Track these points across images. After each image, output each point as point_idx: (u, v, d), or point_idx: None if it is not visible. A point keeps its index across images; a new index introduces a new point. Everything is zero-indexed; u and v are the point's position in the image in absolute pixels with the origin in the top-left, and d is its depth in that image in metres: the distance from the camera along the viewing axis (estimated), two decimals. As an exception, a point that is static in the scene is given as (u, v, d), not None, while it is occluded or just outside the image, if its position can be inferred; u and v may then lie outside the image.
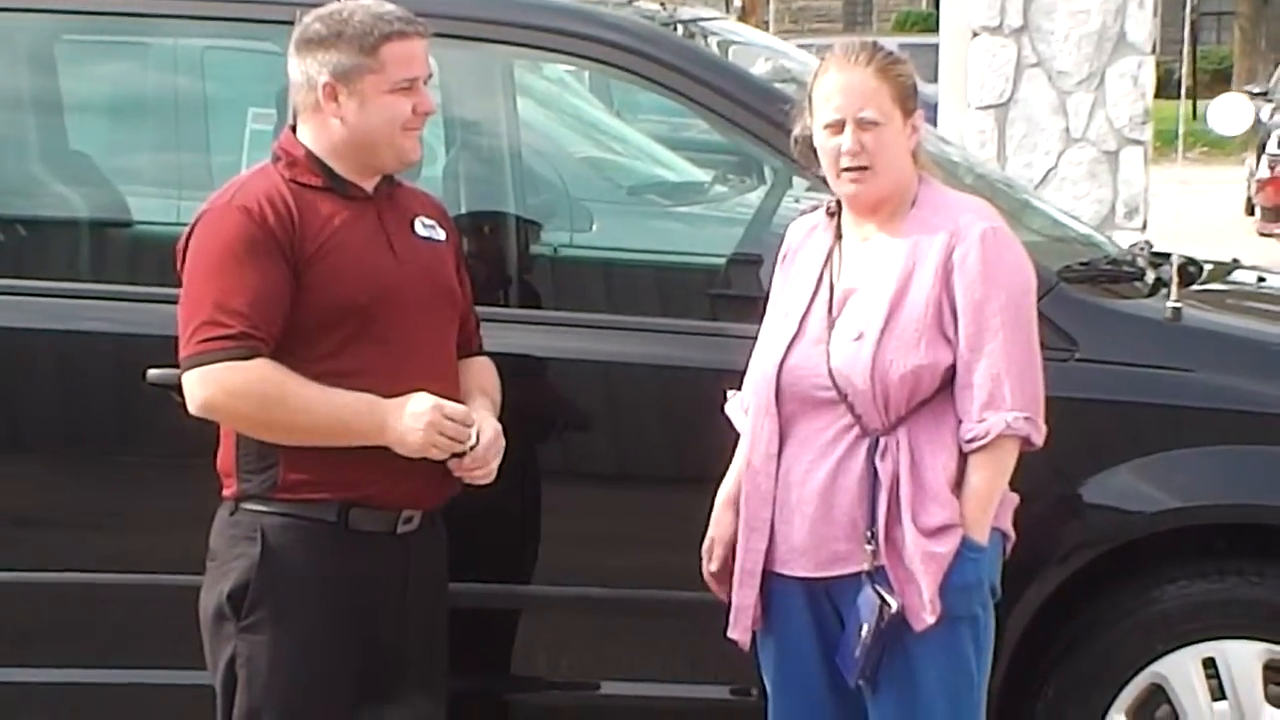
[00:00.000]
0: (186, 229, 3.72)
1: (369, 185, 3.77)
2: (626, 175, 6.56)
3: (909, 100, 3.69)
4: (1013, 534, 3.74)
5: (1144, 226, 9.51)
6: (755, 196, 5.39)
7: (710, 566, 3.83)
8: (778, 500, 3.69)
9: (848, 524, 3.62)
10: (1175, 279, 4.36)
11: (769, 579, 3.73)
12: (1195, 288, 4.75)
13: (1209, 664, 4.21)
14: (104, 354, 4.39)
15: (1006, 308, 3.58)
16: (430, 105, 3.76)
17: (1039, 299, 3.74)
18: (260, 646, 3.67)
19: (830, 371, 3.62)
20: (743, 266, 4.68)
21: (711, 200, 6.28)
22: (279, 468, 3.66)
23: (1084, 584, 4.21)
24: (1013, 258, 3.65)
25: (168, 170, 4.98)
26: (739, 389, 3.86)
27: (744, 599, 3.75)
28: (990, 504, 3.62)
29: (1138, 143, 9.59)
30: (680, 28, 5.21)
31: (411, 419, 3.62)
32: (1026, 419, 3.59)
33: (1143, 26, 9.53)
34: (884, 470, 3.58)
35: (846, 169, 3.64)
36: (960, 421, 3.61)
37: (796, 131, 3.78)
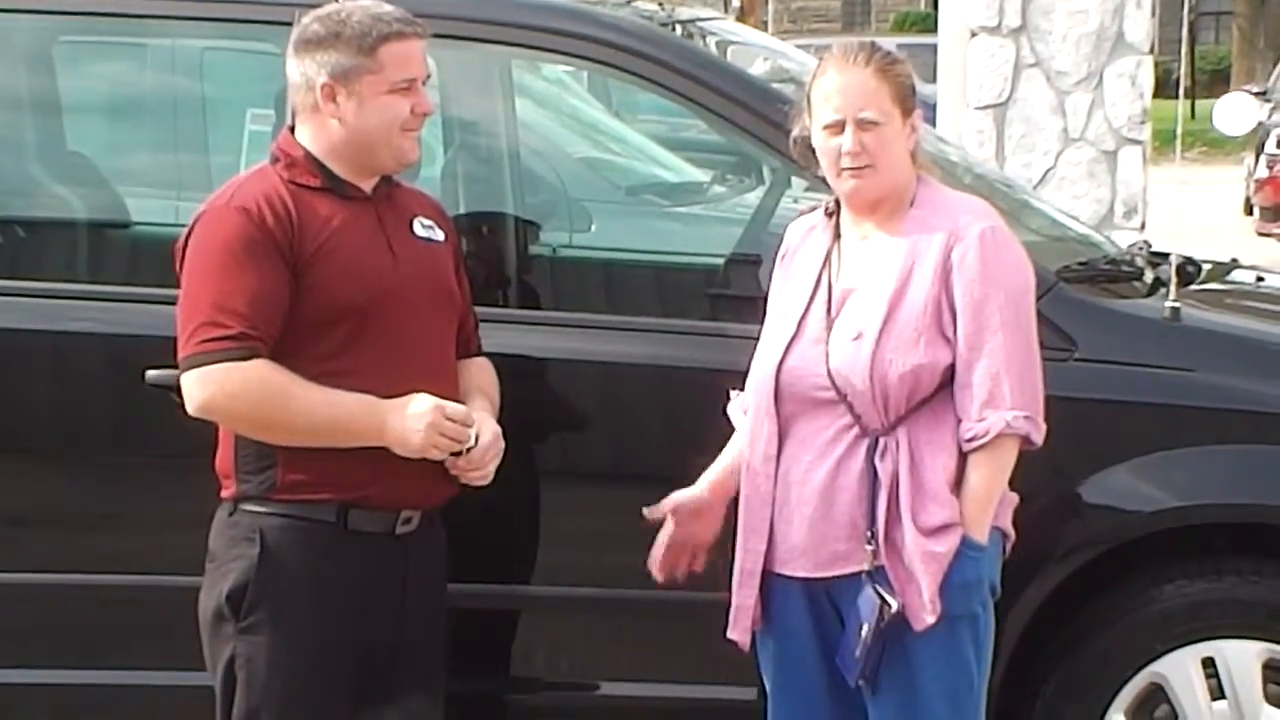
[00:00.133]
0: (185, 230, 3.72)
1: (367, 186, 3.77)
2: (625, 175, 6.57)
3: (908, 100, 3.69)
4: (1012, 533, 3.74)
5: (1142, 226, 9.51)
6: (754, 197, 5.39)
7: (656, 553, 3.82)
8: (777, 500, 3.69)
9: (847, 524, 3.62)
10: (1174, 278, 4.36)
11: (768, 579, 3.73)
12: (1194, 287, 4.75)
13: (1208, 663, 4.21)
14: (102, 355, 4.39)
15: (1006, 307, 3.58)
16: (429, 106, 3.76)
17: (1038, 299, 3.74)
18: (259, 647, 3.67)
19: (829, 372, 3.62)
20: (741, 266, 4.68)
21: (710, 200, 6.29)
22: (278, 468, 3.66)
23: (1083, 583, 4.21)
24: (1012, 257, 3.65)
25: (166, 171, 4.98)
26: (740, 389, 3.86)
27: (743, 599, 3.75)
28: (990, 503, 3.62)
29: (1136, 142, 9.60)
30: (678, 28, 5.20)
31: (412, 420, 3.62)
32: (1026, 418, 3.59)
33: (1141, 26, 9.53)
34: (883, 470, 3.58)
35: (847, 168, 3.64)
36: (960, 421, 3.61)
37: (795, 132, 3.78)
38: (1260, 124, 17.46)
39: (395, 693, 3.80)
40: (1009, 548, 3.74)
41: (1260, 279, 5.23)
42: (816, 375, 3.64)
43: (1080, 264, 4.59)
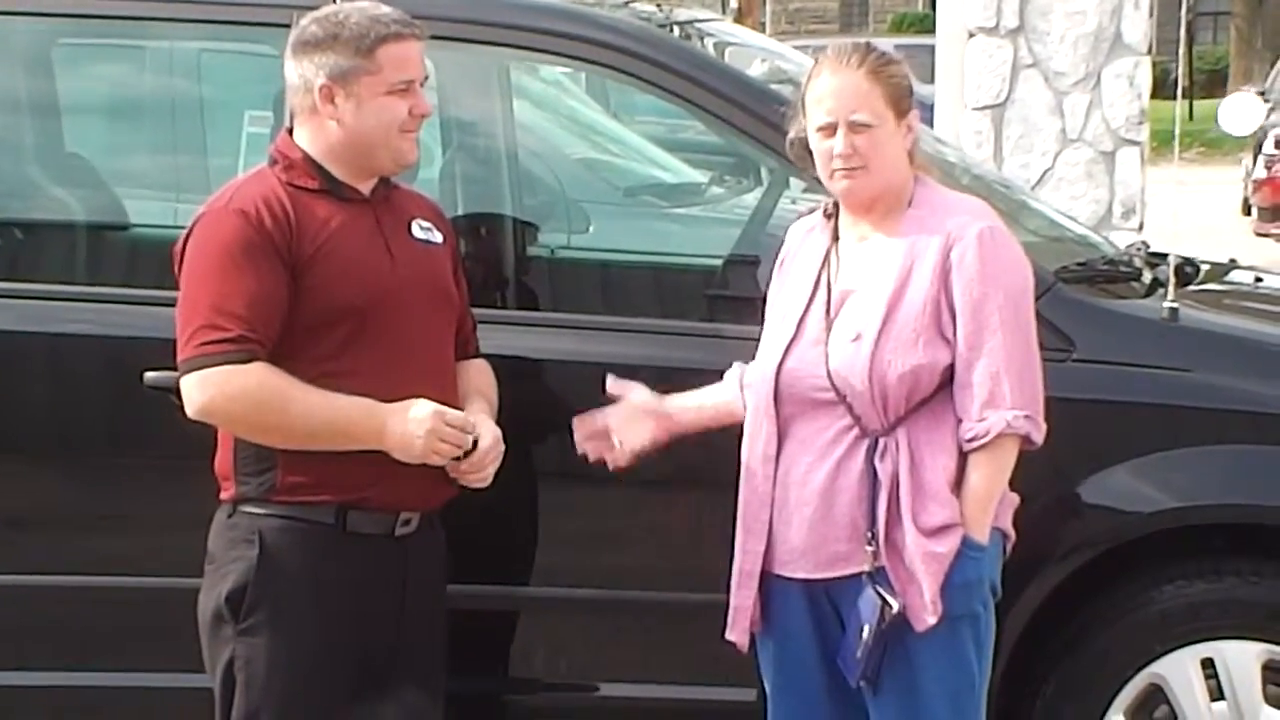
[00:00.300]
0: (184, 232, 3.72)
1: (366, 188, 3.77)
2: (623, 177, 6.57)
3: (902, 101, 3.69)
4: (1013, 534, 3.74)
5: (1141, 227, 9.51)
6: (752, 198, 5.40)
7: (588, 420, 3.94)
8: (776, 501, 3.69)
9: (848, 525, 3.62)
10: (1172, 279, 4.36)
11: (767, 580, 3.73)
12: (1192, 288, 4.75)
13: (1207, 664, 4.21)
14: (101, 357, 4.38)
15: (1005, 307, 3.58)
16: (427, 107, 3.76)
17: (1036, 299, 3.74)
18: (258, 649, 3.67)
19: (829, 373, 3.62)
20: (739, 268, 4.68)
21: (708, 201, 6.29)
22: (277, 470, 3.66)
23: (1082, 584, 4.21)
24: (1010, 257, 3.65)
25: (164, 173, 4.98)
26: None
27: (742, 600, 3.75)
28: (990, 503, 3.62)
29: (1134, 143, 9.59)
30: (676, 29, 5.20)
31: (412, 425, 3.62)
32: (1026, 417, 3.59)
33: (1139, 27, 9.52)
34: (883, 471, 3.59)
35: (839, 169, 3.64)
36: (959, 421, 3.61)
37: (791, 134, 3.79)
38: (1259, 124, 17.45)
39: (395, 694, 3.80)
40: (1009, 548, 3.74)
41: (1258, 279, 5.23)
42: (816, 376, 3.64)
43: (1078, 264, 4.60)
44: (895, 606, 3.56)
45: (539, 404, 4.27)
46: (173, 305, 3.68)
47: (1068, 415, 3.89)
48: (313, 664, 3.69)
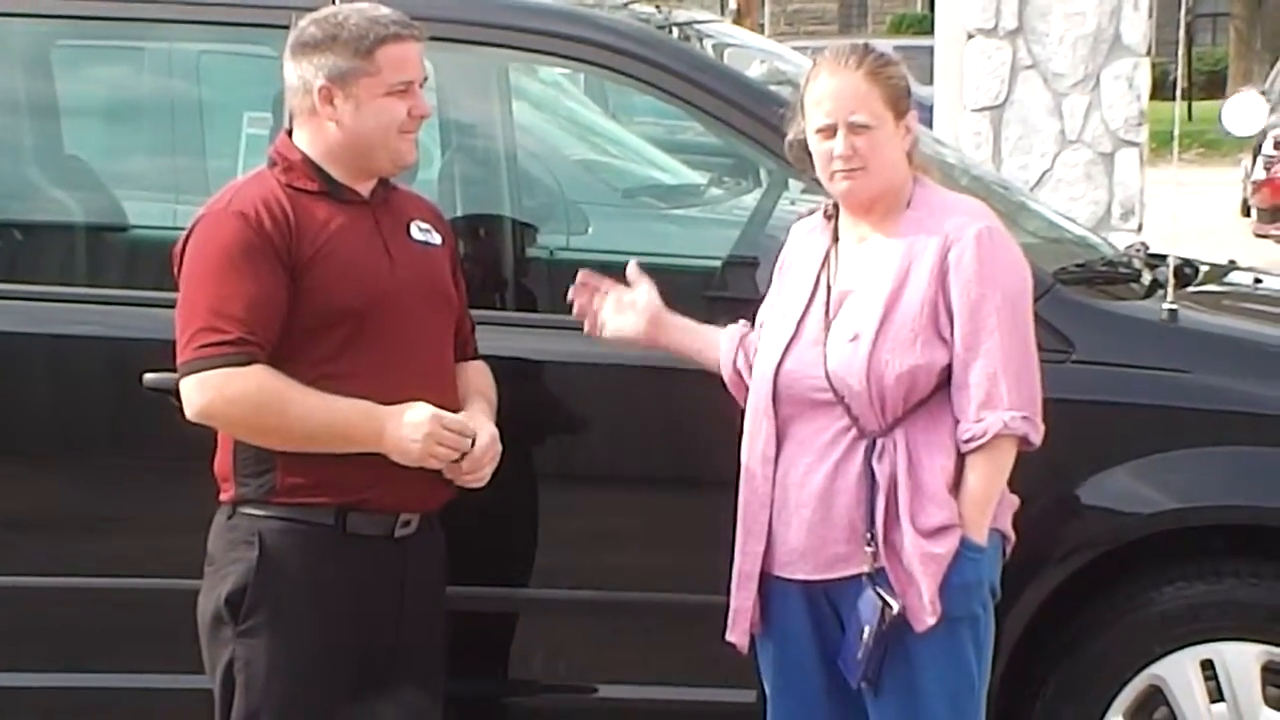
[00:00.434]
0: (183, 234, 3.72)
1: (365, 189, 3.77)
2: (622, 178, 6.57)
3: (901, 102, 3.69)
4: (1012, 535, 3.74)
5: (1140, 228, 9.50)
6: (751, 199, 5.40)
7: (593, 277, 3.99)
8: (775, 503, 3.69)
9: (846, 526, 3.62)
10: (1171, 280, 4.36)
11: (767, 582, 3.73)
12: (1191, 289, 4.75)
13: (1207, 665, 4.21)
14: (100, 358, 4.38)
15: (1003, 307, 3.58)
16: (426, 108, 3.76)
17: (1035, 300, 3.74)
18: (258, 650, 3.67)
19: (827, 373, 3.62)
20: (738, 269, 4.68)
21: (707, 203, 6.29)
22: (276, 472, 3.66)
23: (1082, 585, 4.21)
24: (1008, 258, 3.65)
25: (164, 174, 4.98)
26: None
27: (742, 601, 3.75)
28: (988, 504, 3.62)
29: (1133, 144, 9.58)
30: (675, 30, 5.21)
31: (410, 429, 3.62)
32: (1024, 418, 3.58)
33: (1138, 28, 9.52)
34: (881, 472, 3.58)
35: (838, 170, 3.64)
36: (957, 422, 3.61)
37: (790, 135, 3.79)
38: (1258, 126, 17.44)
39: (394, 694, 3.80)
40: (1009, 550, 3.74)
41: (1258, 280, 5.23)
42: (814, 377, 3.64)
43: (1077, 266, 4.60)
44: (895, 607, 3.56)
45: (538, 405, 4.27)
46: (172, 307, 3.68)
47: (1067, 417, 3.89)
48: (312, 665, 3.69)
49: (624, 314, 3.99)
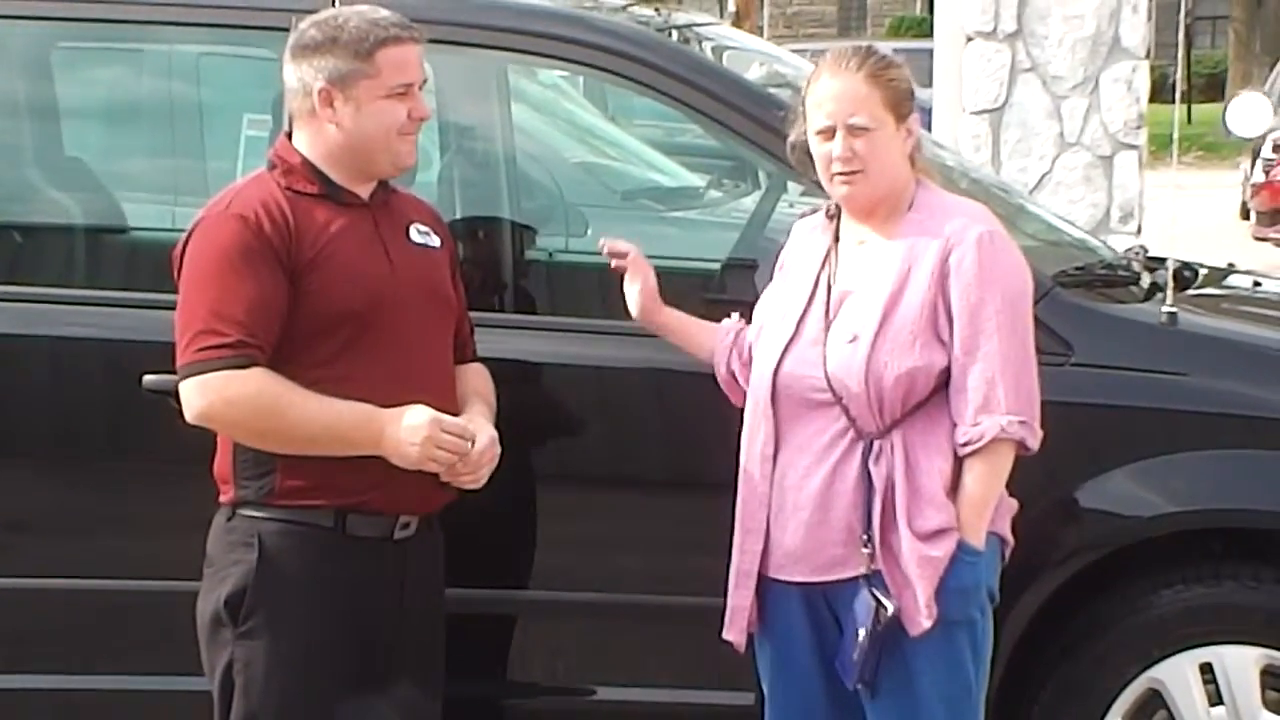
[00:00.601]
0: (183, 236, 3.72)
1: (364, 192, 3.77)
2: (621, 180, 6.57)
3: (902, 105, 3.69)
4: (1011, 539, 3.73)
5: (1139, 231, 9.50)
6: (750, 201, 5.40)
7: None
8: (773, 505, 3.69)
9: (844, 528, 3.62)
10: (1170, 283, 4.36)
11: (765, 583, 3.73)
12: (1191, 292, 4.75)
13: (1206, 669, 4.21)
14: (100, 360, 4.38)
15: (1002, 311, 3.58)
16: (425, 111, 3.76)
17: (1034, 303, 3.74)
18: (257, 652, 3.67)
19: (826, 374, 3.62)
20: (737, 271, 4.68)
21: (706, 205, 6.28)
22: (276, 474, 3.66)
23: (1081, 588, 4.21)
24: (1009, 261, 3.65)
25: (163, 176, 4.98)
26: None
27: (740, 600, 3.75)
28: (986, 508, 3.62)
29: (1132, 147, 9.58)
30: (674, 33, 5.20)
31: (408, 432, 3.62)
32: (1022, 423, 3.58)
33: (1137, 31, 9.52)
34: (877, 474, 3.59)
35: (838, 173, 3.64)
36: (955, 425, 3.61)
37: (792, 138, 3.79)
38: (1257, 128, 17.44)
39: (393, 696, 3.79)
40: (1007, 554, 3.74)
41: (1257, 284, 5.23)
42: (813, 377, 3.64)
43: (1077, 269, 4.60)
44: (890, 609, 3.56)
45: (537, 407, 4.27)
46: (172, 309, 3.68)
47: (1066, 419, 3.89)
48: (311, 667, 3.69)
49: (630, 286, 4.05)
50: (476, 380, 3.94)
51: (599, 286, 5.16)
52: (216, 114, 5.18)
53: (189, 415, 3.64)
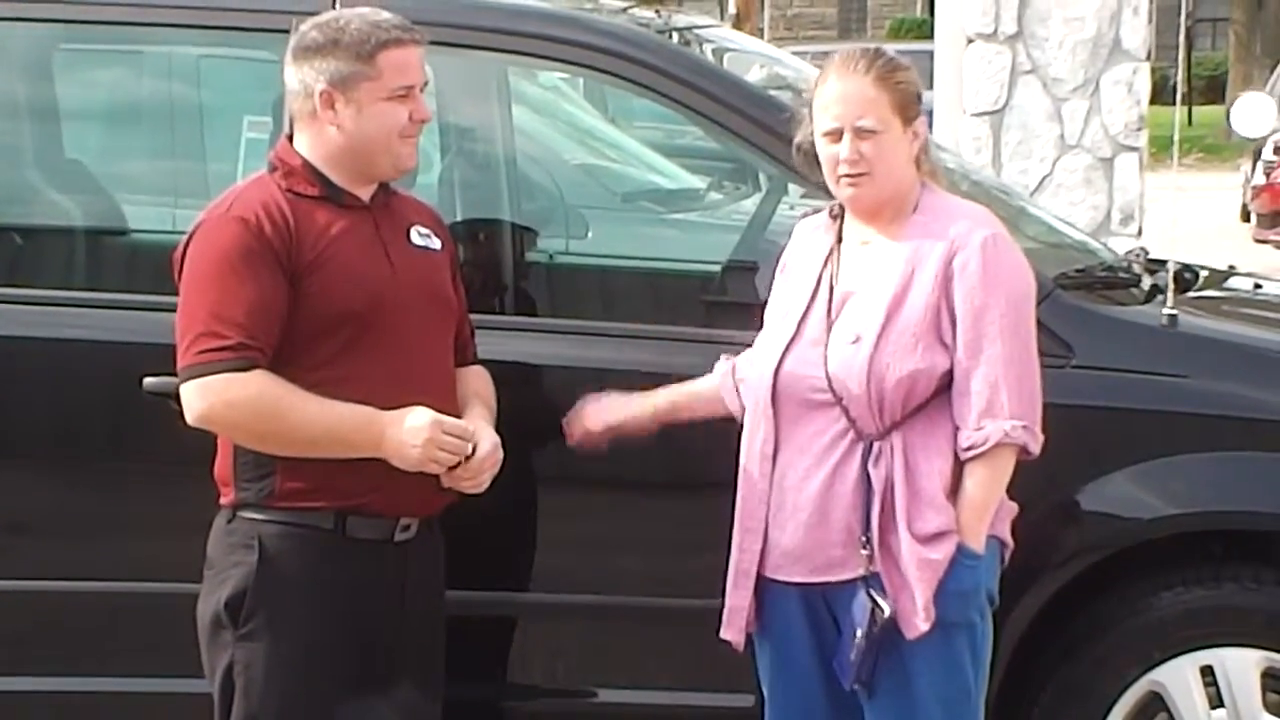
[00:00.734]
0: (183, 239, 3.72)
1: (365, 194, 3.77)
2: (621, 182, 6.57)
3: (909, 108, 3.69)
4: (1010, 542, 3.73)
5: (1139, 233, 9.50)
6: (750, 203, 5.40)
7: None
8: (772, 505, 3.69)
9: (843, 530, 3.62)
10: (1171, 285, 4.36)
11: (764, 584, 3.73)
12: (1191, 294, 4.75)
13: (1207, 672, 4.21)
14: (100, 362, 4.38)
15: (1006, 314, 3.58)
16: (426, 113, 3.76)
17: (1035, 306, 3.74)
18: (257, 654, 3.67)
19: (827, 375, 3.62)
20: (738, 273, 4.69)
21: (707, 207, 6.28)
22: (276, 476, 3.66)
23: (1081, 590, 4.21)
24: (1013, 265, 3.65)
25: (164, 178, 4.98)
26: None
27: (738, 600, 3.75)
28: (986, 512, 3.62)
29: (1133, 149, 9.57)
30: (675, 35, 5.20)
31: (409, 434, 3.62)
32: (1024, 428, 3.58)
33: (1137, 33, 9.51)
34: (877, 476, 3.58)
35: (845, 175, 3.64)
36: (956, 428, 3.60)
37: (798, 140, 3.79)
38: (1257, 129, 17.45)
39: (394, 698, 3.79)
40: (1007, 556, 3.74)
41: (1258, 286, 5.23)
42: (814, 378, 3.64)
43: (1077, 271, 4.60)
44: (886, 610, 3.56)
45: (537, 409, 4.27)
46: (172, 311, 3.68)
47: (1066, 421, 3.89)
48: (312, 669, 3.69)
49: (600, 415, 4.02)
50: (477, 382, 3.94)
51: (599, 289, 5.18)
52: (217, 116, 5.18)
53: (189, 417, 3.64)
